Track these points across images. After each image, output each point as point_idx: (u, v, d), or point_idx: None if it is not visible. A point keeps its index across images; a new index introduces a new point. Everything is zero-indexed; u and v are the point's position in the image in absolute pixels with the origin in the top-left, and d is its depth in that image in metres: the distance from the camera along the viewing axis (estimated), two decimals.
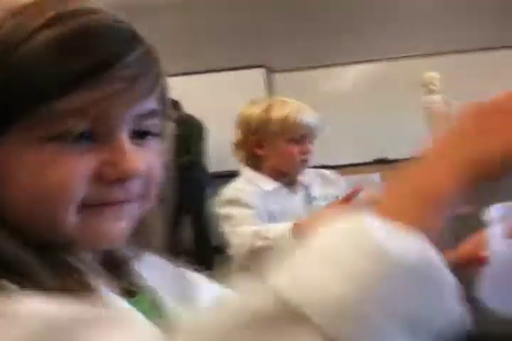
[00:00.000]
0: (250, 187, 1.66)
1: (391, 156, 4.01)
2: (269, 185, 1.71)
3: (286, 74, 4.74)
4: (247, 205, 1.60)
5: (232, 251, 1.53)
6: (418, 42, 4.59)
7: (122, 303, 0.45)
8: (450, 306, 0.31)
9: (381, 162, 4.30)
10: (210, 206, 1.61)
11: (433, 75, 2.46)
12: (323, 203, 1.75)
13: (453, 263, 0.53)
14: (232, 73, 4.74)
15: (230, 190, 1.66)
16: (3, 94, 0.39)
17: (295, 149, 1.73)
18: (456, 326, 0.31)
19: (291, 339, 0.29)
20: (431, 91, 2.47)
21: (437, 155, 0.36)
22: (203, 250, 3.98)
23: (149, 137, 0.46)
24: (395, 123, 4.29)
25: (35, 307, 0.35)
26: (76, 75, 0.39)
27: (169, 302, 0.51)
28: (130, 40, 0.41)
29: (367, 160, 4.47)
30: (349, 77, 4.77)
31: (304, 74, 4.65)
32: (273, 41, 4.67)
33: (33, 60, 0.39)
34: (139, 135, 0.45)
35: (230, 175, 1.66)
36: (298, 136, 1.71)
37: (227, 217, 1.57)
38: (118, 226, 0.45)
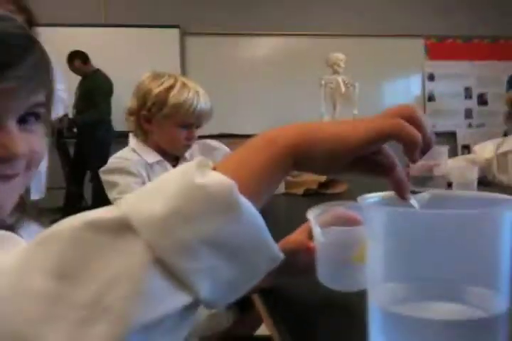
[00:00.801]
0: (135, 156, 1.68)
1: None
2: (152, 157, 1.74)
3: (201, 38, 4.70)
4: (131, 173, 1.63)
5: None
6: (330, 23, 4.74)
7: None
8: (253, 235, 0.37)
9: None
10: None
11: (339, 56, 2.55)
12: None
13: (288, 249, 0.65)
14: (146, 30, 4.62)
15: (116, 158, 1.68)
16: None
17: (182, 134, 1.76)
18: (269, 261, 0.39)
19: (114, 243, 0.35)
20: (335, 72, 2.56)
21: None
22: (100, 206, 4.02)
23: (34, 123, 0.54)
24: (300, 97, 4.43)
25: None
26: None
27: None
28: (28, 45, 0.50)
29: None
30: (261, 48, 4.82)
31: (218, 40, 4.64)
32: (192, 4, 4.60)
33: None
34: (25, 121, 0.53)
35: None
36: (187, 123, 1.75)
37: (113, 185, 1.59)
38: (4, 197, 0.53)
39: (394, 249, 0.46)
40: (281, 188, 1.91)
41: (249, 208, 0.37)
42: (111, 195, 1.61)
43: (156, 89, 1.65)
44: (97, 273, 0.34)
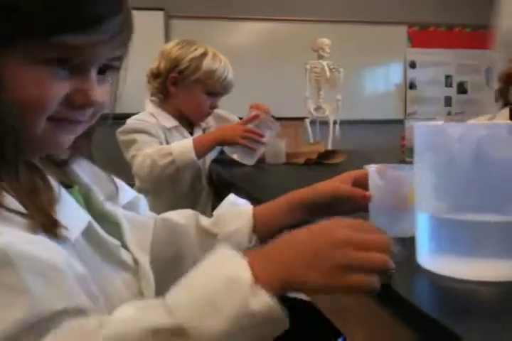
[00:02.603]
0: (153, 120, 1.71)
1: (278, 115, 4.19)
2: (169, 122, 1.78)
3: (186, 21, 4.67)
4: (149, 133, 1.66)
5: (134, 171, 1.57)
6: (315, 8, 4.75)
7: (64, 192, 0.59)
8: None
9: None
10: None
11: (324, 41, 2.57)
12: None
13: (335, 195, 0.82)
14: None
15: (134, 120, 1.70)
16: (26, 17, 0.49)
17: (207, 102, 1.81)
18: None
19: None
20: (320, 57, 2.58)
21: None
22: None
23: (108, 74, 0.60)
24: (285, 82, 4.45)
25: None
26: (82, 20, 0.51)
27: (99, 196, 0.65)
28: (120, 1, 0.55)
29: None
30: (247, 32, 4.81)
31: (203, 24, 4.63)
32: None
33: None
34: (102, 72, 0.59)
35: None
36: (214, 91, 1.79)
37: (131, 142, 1.61)
38: (69, 138, 0.59)
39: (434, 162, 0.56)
40: (283, 159, 1.96)
41: (285, 323, 0.49)
42: (128, 153, 1.63)
43: (191, 54, 1.68)
44: None
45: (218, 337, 0.44)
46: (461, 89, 5.60)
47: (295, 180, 1.61)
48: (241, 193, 1.43)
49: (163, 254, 0.81)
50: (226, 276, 0.48)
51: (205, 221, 0.87)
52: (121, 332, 0.44)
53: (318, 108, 2.56)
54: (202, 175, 1.87)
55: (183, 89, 1.77)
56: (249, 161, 1.86)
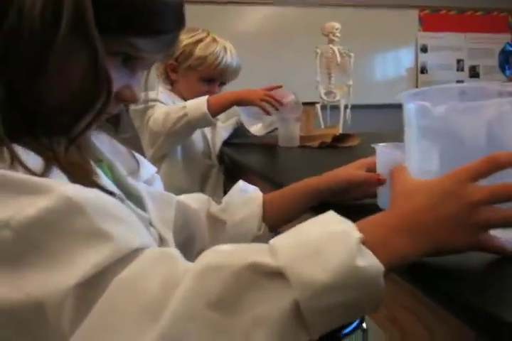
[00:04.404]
0: (165, 95, 1.72)
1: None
2: (178, 101, 1.79)
3: (188, 7, 4.61)
4: (164, 103, 1.67)
5: (149, 127, 1.58)
6: None
7: (95, 167, 0.63)
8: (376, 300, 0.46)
9: None
10: None
11: (334, 25, 2.55)
12: (224, 125, 1.86)
13: (350, 181, 0.84)
14: None
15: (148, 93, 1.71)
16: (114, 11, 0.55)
17: (203, 88, 1.81)
18: None
19: (267, 287, 0.42)
20: (330, 41, 2.57)
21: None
22: None
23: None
24: (294, 67, 4.43)
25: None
26: (155, 30, 0.58)
27: (122, 170, 0.66)
28: (181, 17, 0.63)
29: None
30: (254, 17, 4.77)
31: (207, 8, 4.56)
32: None
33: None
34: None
35: None
36: (209, 77, 1.78)
37: (146, 109, 1.63)
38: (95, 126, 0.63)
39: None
40: (296, 142, 1.96)
41: (382, 285, 0.46)
42: (143, 119, 1.62)
43: (187, 40, 1.69)
44: (247, 310, 0.41)
45: (316, 287, 0.42)
46: (473, 73, 5.54)
47: (310, 163, 1.62)
48: (256, 175, 1.45)
49: (177, 237, 0.81)
50: (335, 230, 0.47)
51: (215, 207, 0.88)
52: (216, 263, 0.43)
53: (328, 92, 2.55)
54: (211, 152, 1.87)
55: (181, 75, 1.79)
56: (259, 131, 1.85)
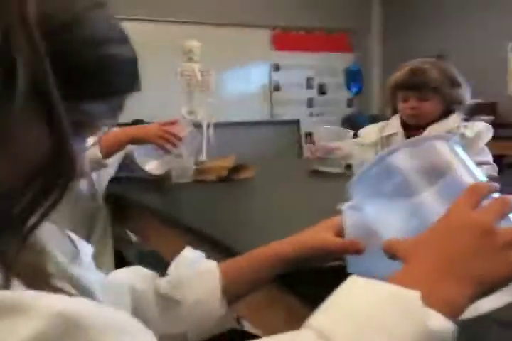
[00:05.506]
0: None
1: (147, 119, 4.07)
2: None
3: None
4: None
5: None
6: (180, 9, 4.69)
7: None
8: None
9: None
10: None
11: (194, 44, 2.53)
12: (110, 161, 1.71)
13: (322, 248, 0.73)
14: None
15: None
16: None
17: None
18: None
19: None
20: (190, 59, 2.54)
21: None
22: None
23: None
24: (155, 87, 4.33)
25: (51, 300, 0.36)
26: (107, 93, 0.49)
27: (64, 261, 0.53)
28: (137, 72, 0.53)
29: (124, 121, 4.45)
30: None
31: None
32: None
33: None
34: None
35: None
36: None
37: None
38: None
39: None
40: (188, 177, 1.83)
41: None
42: None
43: None
44: None
45: None
46: (322, 90, 5.85)
47: (210, 199, 1.52)
48: (152, 216, 1.34)
49: None
50: (384, 297, 0.42)
51: (164, 285, 0.74)
52: None
53: (191, 112, 2.51)
54: (97, 194, 1.68)
55: None
56: (157, 169, 1.74)
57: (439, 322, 0.40)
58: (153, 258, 1.60)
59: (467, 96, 1.87)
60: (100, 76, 0.48)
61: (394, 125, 1.95)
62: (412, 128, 1.90)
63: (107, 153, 1.51)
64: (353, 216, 0.69)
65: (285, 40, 5.49)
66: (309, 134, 5.54)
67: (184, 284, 0.73)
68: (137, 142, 1.63)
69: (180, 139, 1.66)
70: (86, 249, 0.64)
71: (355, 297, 0.44)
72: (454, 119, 1.84)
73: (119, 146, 1.57)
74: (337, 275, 0.64)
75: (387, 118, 2.03)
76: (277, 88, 5.57)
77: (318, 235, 0.74)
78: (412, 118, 1.87)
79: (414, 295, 0.41)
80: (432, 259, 0.46)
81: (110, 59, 0.48)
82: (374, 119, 2.72)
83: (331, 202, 1.28)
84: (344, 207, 0.71)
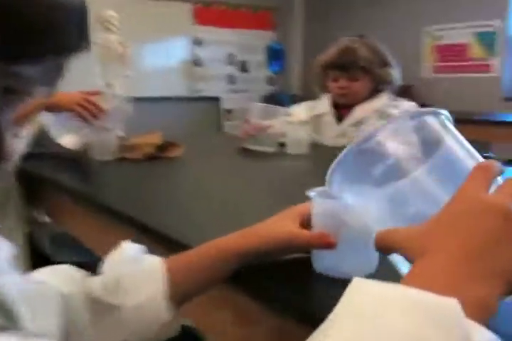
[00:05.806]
0: None
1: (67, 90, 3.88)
2: None
3: None
4: None
5: None
6: None
7: None
8: None
9: None
10: None
11: (112, 14, 2.41)
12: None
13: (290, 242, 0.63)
14: None
15: None
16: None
17: None
18: None
19: None
20: (108, 30, 2.41)
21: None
22: None
23: None
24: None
25: None
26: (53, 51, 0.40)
27: None
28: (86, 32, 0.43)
29: None
30: None
31: None
32: None
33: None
34: None
35: None
36: None
37: None
38: None
39: None
40: (110, 154, 1.68)
41: None
42: None
43: None
44: None
45: None
46: (243, 67, 5.81)
47: (136, 178, 1.41)
48: (70, 197, 1.23)
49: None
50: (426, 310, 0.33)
51: (97, 287, 0.62)
52: None
53: (108, 84, 2.39)
54: (8, 171, 1.53)
55: None
56: (73, 144, 1.60)
57: (483, 335, 0.33)
58: (66, 240, 1.52)
59: (397, 76, 1.89)
60: (34, 29, 0.39)
61: (324, 104, 1.95)
62: (342, 107, 1.91)
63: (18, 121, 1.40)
64: (325, 204, 0.61)
65: (207, 14, 5.37)
66: (229, 111, 5.50)
67: (122, 286, 0.61)
68: (52, 108, 1.52)
69: (102, 111, 1.56)
70: (3, 246, 0.53)
71: (388, 317, 0.34)
72: (383, 99, 1.86)
73: (30, 112, 1.46)
74: (301, 269, 0.60)
75: (311, 98, 2.03)
76: (198, 63, 5.46)
77: (282, 227, 0.64)
78: (341, 97, 1.88)
79: (452, 305, 0.33)
80: (455, 252, 0.38)
81: (45, 7, 0.38)
82: (295, 99, 2.72)
83: (266, 182, 1.28)
84: (313, 193, 0.62)
